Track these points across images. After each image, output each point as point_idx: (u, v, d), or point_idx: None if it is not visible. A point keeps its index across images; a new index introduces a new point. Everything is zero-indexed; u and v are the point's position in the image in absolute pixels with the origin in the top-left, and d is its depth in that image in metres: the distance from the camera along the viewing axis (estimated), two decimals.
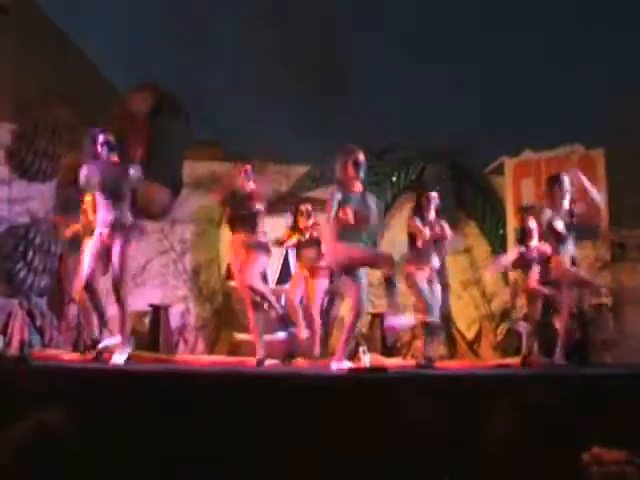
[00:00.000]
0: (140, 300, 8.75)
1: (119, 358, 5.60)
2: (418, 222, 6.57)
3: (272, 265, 8.77)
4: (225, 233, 8.30)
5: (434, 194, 6.77)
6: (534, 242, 7.09)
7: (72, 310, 8.22)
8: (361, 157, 5.55)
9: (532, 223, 7.15)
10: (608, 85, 8.64)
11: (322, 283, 7.31)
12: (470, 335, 9.71)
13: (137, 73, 9.04)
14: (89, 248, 5.88)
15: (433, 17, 9.67)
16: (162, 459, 3.75)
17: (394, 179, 9.93)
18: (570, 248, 6.27)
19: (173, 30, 9.16)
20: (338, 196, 5.43)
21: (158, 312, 8.68)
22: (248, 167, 6.79)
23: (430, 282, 6.55)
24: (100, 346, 5.84)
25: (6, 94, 8.62)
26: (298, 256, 7.54)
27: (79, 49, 9.50)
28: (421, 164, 10.01)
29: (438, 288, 6.65)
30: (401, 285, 6.14)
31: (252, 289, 6.55)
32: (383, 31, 9.50)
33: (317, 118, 8.45)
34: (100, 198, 5.73)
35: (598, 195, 6.31)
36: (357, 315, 5.49)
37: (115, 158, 5.74)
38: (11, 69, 8.62)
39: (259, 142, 8.20)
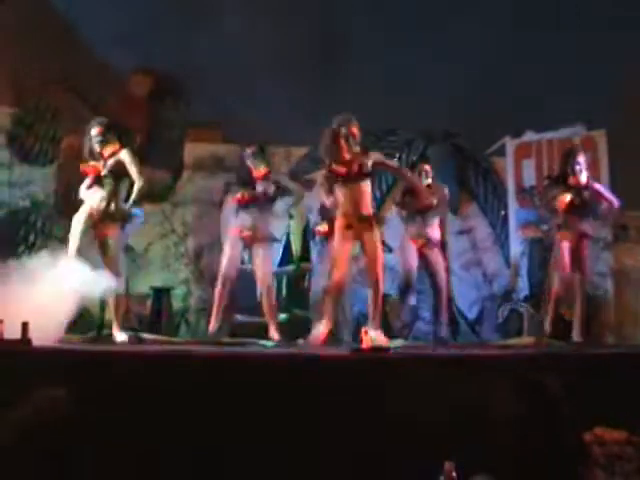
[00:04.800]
0: (142, 283, 8.74)
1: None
2: None
3: None
4: None
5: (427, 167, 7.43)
6: None
7: None
8: None
9: None
10: (610, 64, 8.59)
11: None
12: (471, 316, 9.72)
13: (137, 56, 8.97)
14: None
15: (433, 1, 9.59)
16: (167, 440, 3.77)
17: (395, 160, 9.88)
18: None
19: (173, 12, 9.09)
20: None
21: (160, 295, 8.67)
22: None
23: None
24: None
25: (6, 78, 8.58)
26: None
27: (79, 33, 9.42)
28: (422, 145, 9.98)
29: None
30: None
31: None
32: (383, 11, 9.43)
33: (318, 100, 8.41)
34: None
35: None
36: None
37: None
38: (11, 53, 8.57)
39: (259, 124, 8.15)
